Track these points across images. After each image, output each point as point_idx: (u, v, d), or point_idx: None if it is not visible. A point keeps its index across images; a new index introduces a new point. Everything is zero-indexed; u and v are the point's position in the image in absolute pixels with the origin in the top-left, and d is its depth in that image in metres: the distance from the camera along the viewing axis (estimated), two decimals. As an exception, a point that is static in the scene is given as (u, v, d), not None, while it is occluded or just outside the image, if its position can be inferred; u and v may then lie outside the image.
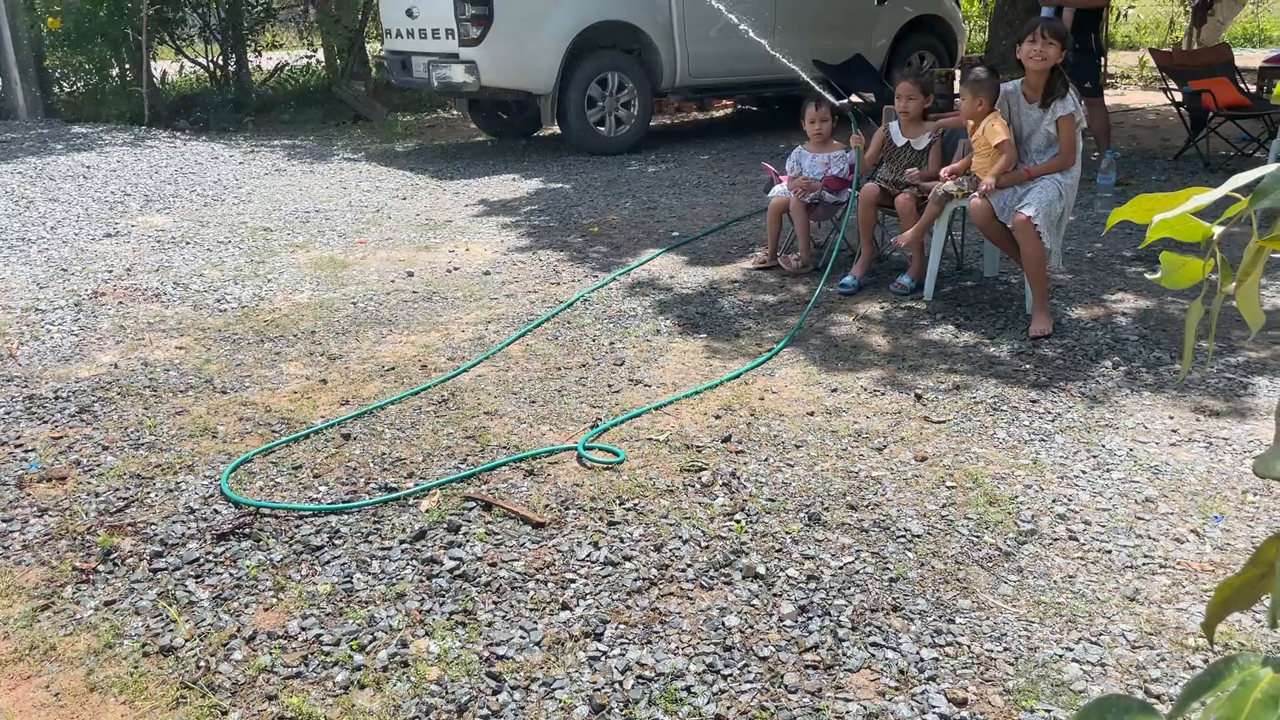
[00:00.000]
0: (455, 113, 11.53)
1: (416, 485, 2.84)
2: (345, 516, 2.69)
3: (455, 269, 5.16)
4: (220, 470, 2.95)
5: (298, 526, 2.64)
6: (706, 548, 2.51)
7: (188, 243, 5.67)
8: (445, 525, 2.62)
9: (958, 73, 9.97)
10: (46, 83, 10.24)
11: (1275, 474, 0.89)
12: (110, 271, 5.06)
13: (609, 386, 3.59)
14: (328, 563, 2.47)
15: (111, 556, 2.51)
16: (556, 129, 8.89)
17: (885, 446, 3.04)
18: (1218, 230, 1.15)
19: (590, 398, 3.49)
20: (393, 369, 3.78)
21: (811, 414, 3.30)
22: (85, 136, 8.88)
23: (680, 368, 3.77)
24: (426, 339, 4.11)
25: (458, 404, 3.45)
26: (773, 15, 9.15)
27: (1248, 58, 11.46)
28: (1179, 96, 7.30)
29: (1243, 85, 7.41)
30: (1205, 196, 1.13)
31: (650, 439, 3.15)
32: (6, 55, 9.80)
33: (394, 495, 2.79)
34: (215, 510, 2.73)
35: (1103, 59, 6.56)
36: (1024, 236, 3.95)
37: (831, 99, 5.10)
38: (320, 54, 12.81)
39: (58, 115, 10.09)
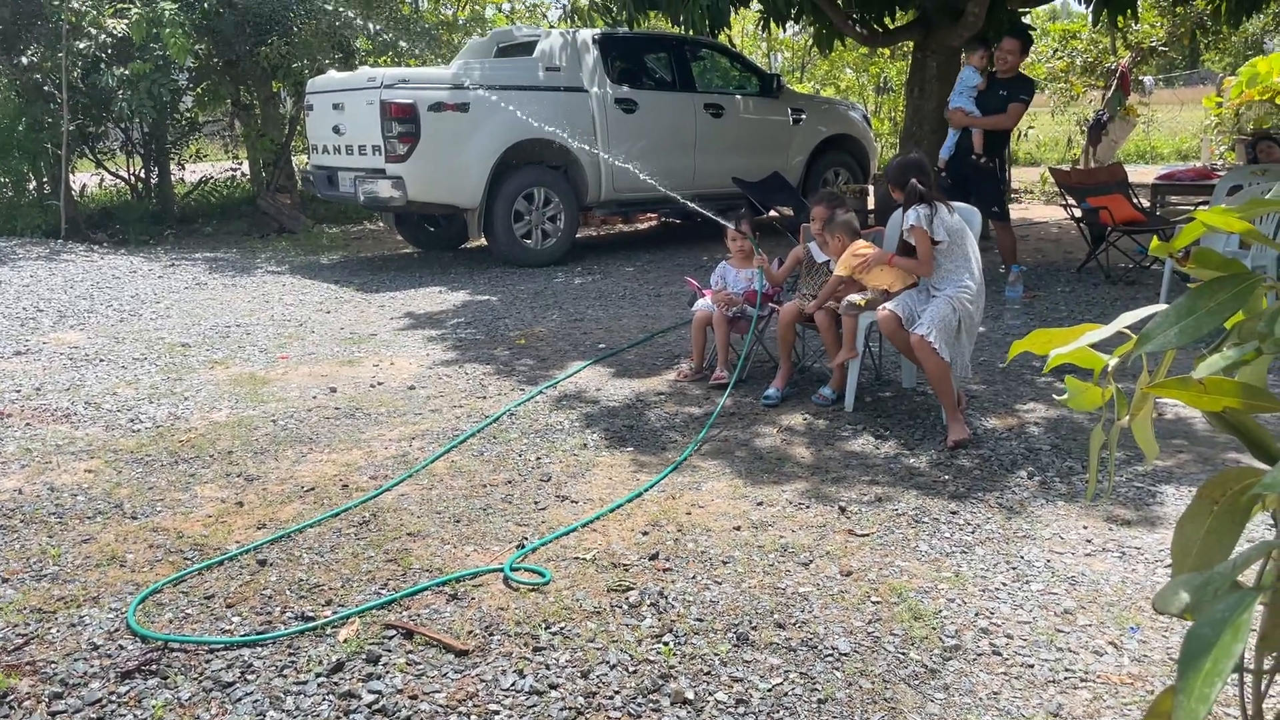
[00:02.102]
0: (381, 225, 11.60)
1: (334, 614, 2.76)
2: (259, 649, 2.59)
3: (379, 384, 5.11)
4: (127, 602, 2.82)
5: (208, 661, 2.53)
6: (634, 672, 2.47)
7: (101, 360, 5.54)
8: (364, 656, 2.54)
9: (870, 189, 10.41)
10: (-41, 196, 10.06)
11: (1174, 610, 0.92)
12: (18, 391, 4.90)
13: (535, 504, 3.56)
14: (239, 700, 2.36)
15: (7, 699, 2.37)
16: (483, 241, 8.99)
17: (811, 561, 3.05)
18: (1112, 363, 1.21)
19: (516, 516, 3.45)
20: (312, 489, 3.70)
21: (738, 528, 3.30)
22: (-3, 250, 8.70)
23: (608, 482, 3.76)
24: (348, 457, 4.04)
25: (379, 525, 3.38)
26: (693, 135, 9.49)
27: (1141, 173, 12.18)
28: (1078, 212, 7.70)
29: (1137, 201, 7.86)
30: (1096, 334, 1.20)
31: (577, 558, 3.11)
32: (-82, 168, 9.63)
33: (310, 625, 2.69)
34: (120, 646, 2.60)
35: (1006, 183, 6.90)
36: (922, 354, 4.10)
37: (731, 224, 5.26)
38: (245, 167, 12.84)
39: (-31, 228, 9.89)
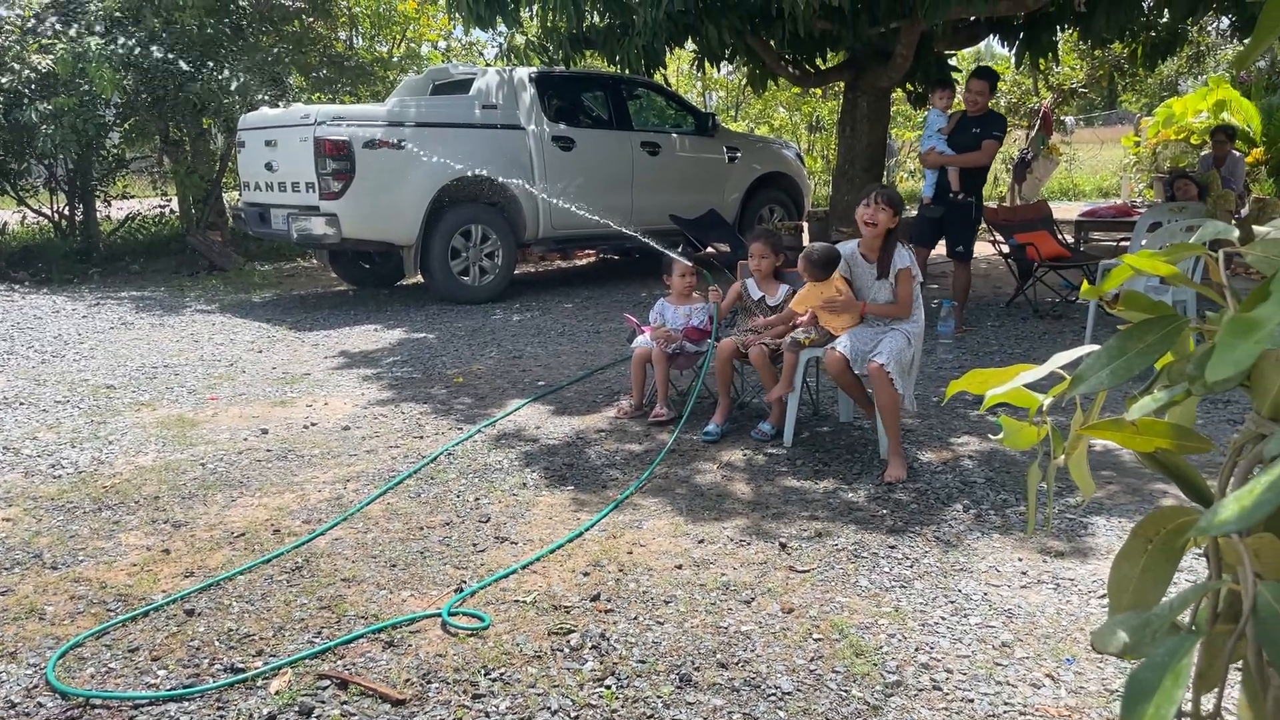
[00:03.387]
0: (315, 262, 11.44)
1: (266, 664, 2.67)
2: (186, 704, 2.49)
3: (312, 425, 5.01)
4: (47, 657, 2.70)
5: (132, 718, 2.43)
6: (576, 718, 2.43)
7: (21, 403, 5.35)
8: (297, 708, 2.46)
9: (805, 225, 10.57)
10: None
11: (1112, 650, 0.93)
12: (-70, 436, 4.71)
13: (474, 545, 3.50)
14: (165, 759, 2.27)
15: (-89, 766, 2.24)
16: (420, 279, 8.92)
17: (753, 599, 3.05)
18: (1046, 402, 1.23)
19: (455, 559, 3.39)
20: (243, 535, 3.59)
21: (680, 567, 3.29)
22: (-89, 289, 8.39)
23: (548, 522, 3.72)
24: (280, 501, 3.94)
25: (312, 571, 3.30)
26: (631, 173, 9.56)
27: (1065, 210, 12.56)
28: (1006, 248, 7.89)
29: (1062, 237, 8.09)
30: (1031, 374, 1.22)
31: (517, 600, 3.06)
32: None
33: (240, 677, 2.60)
34: (39, 703, 2.49)
35: (979, 223, 7.07)
36: (878, 384, 4.13)
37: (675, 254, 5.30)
38: (174, 203, 12.59)
39: (-119, 267, 9.53)
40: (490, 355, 6.65)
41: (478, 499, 3.96)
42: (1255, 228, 0.97)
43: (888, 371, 4.10)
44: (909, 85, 9.66)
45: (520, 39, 9.76)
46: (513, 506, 3.88)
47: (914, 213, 7.95)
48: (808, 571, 3.24)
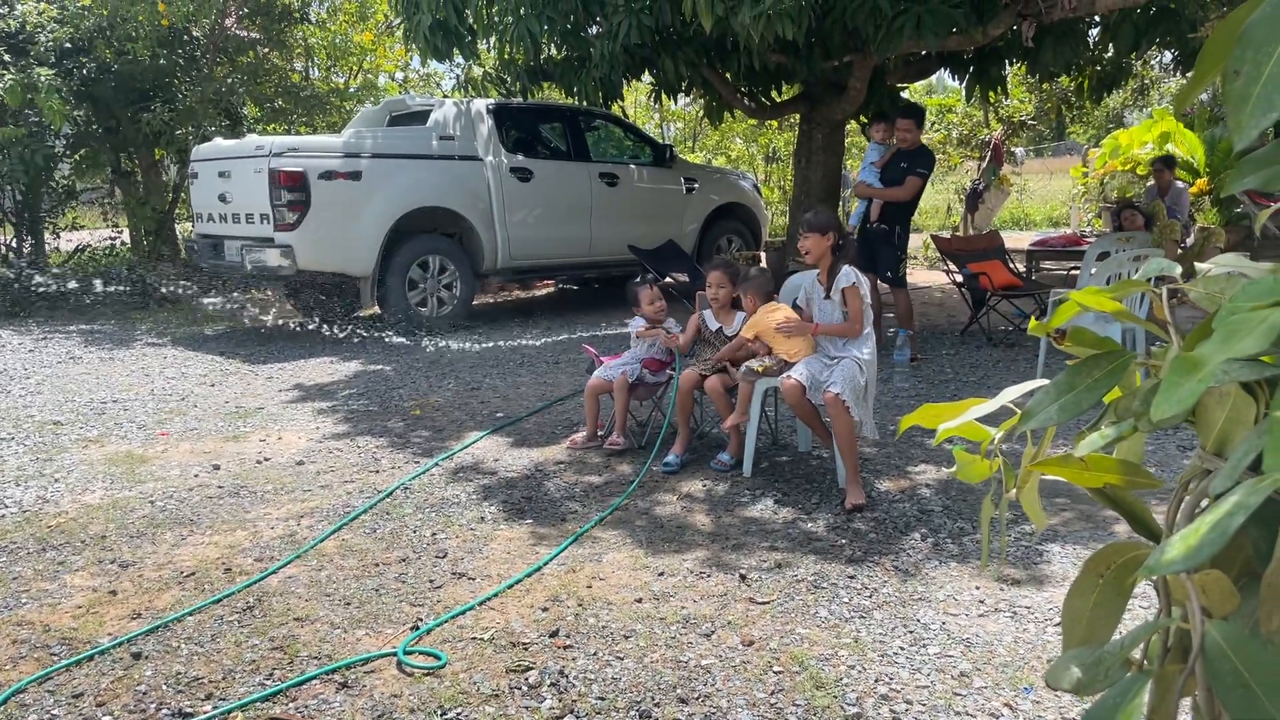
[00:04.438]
0: (270, 293, 11.31)
1: (215, 709, 2.60)
2: (131, 752, 2.42)
3: (266, 460, 4.93)
4: (-16, 706, 2.62)
5: (74, 768, 2.35)
6: (534, 758, 2.39)
7: (-37, 440, 5.21)
8: (247, 754, 2.40)
9: (762, 255, 10.65)
10: None
11: (1066, 686, 0.93)
12: None
13: (430, 582, 3.45)
14: (108, 810, 2.20)
15: None
16: (377, 310, 8.85)
17: (713, 632, 3.03)
18: (997, 435, 1.24)
19: (411, 595, 3.34)
20: (193, 575, 3.51)
21: (640, 600, 3.26)
22: None
23: (505, 556, 3.68)
24: (232, 538, 3.87)
25: (264, 611, 3.23)
26: (589, 204, 9.59)
27: (1016, 239, 12.78)
28: (959, 278, 8.01)
29: (1013, 266, 8.22)
30: (981, 409, 1.23)
31: (475, 638, 3.02)
32: None
33: (189, 722, 2.54)
34: (-26, 756, 2.41)
35: (904, 251, 7.18)
36: (834, 413, 4.15)
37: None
38: (125, 235, 12.41)
39: None
40: (448, 387, 6.60)
41: (435, 534, 3.91)
42: (1197, 264, 0.98)
43: (843, 400, 4.12)
44: (863, 117, 9.81)
45: (478, 71, 9.78)
46: (470, 541, 3.83)
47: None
48: (768, 603, 3.23)
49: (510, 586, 3.39)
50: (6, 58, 9.52)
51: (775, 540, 3.79)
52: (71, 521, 4.05)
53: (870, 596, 3.27)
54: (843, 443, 4.18)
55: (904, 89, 10.27)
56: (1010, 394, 1.19)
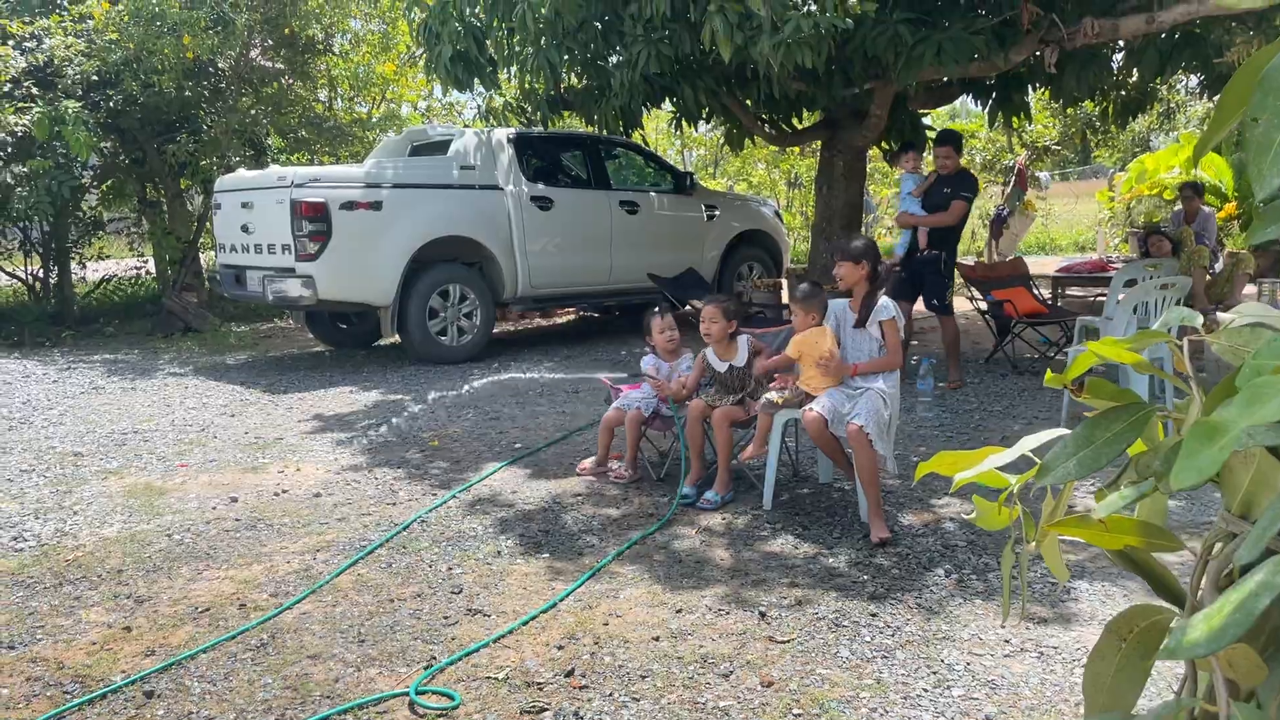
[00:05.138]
0: (291, 322, 11.39)
1: (225, 751, 2.57)
2: (139, 796, 2.39)
3: (284, 492, 4.92)
4: (-7, 747, 2.60)
5: (81, 812, 2.32)
6: (546, 804, 2.33)
7: (-15, 472, 5.24)
8: (255, 798, 2.36)
9: (784, 282, 10.61)
10: None
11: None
12: (-111, 509, 4.60)
13: (445, 618, 3.41)
14: None
15: None
16: (397, 339, 8.87)
17: (732, 672, 2.97)
18: (1015, 485, 1.19)
19: (425, 633, 3.30)
20: (207, 611, 3.49)
21: (657, 638, 3.21)
22: (-121, 355, 8.28)
23: (522, 592, 3.63)
24: (248, 573, 3.85)
25: (278, 648, 3.20)
26: (609, 232, 9.60)
27: (1041, 264, 12.67)
28: (984, 305, 7.93)
29: (1039, 293, 8.13)
30: (999, 458, 1.18)
31: (489, 677, 2.98)
32: None
33: (198, 765, 2.50)
34: (-19, 800, 2.38)
35: (951, 278, 7.15)
36: (857, 445, 4.09)
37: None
38: (150, 265, 12.55)
39: None
40: (467, 417, 6.59)
41: (450, 569, 3.88)
42: (1220, 315, 0.94)
43: (867, 433, 4.06)
44: (884, 144, 9.77)
45: (498, 100, 9.83)
46: (486, 576, 3.80)
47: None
48: (787, 642, 3.17)
49: (525, 623, 3.34)
50: (35, 91, 9.67)
51: (796, 576, 3.73)
52: (89, 555, 4.05)
53: (893, 635, 3.20)
54: (865, 476, 4.11)
55: (925, 114, 10.23)
56: (1028, 443, 1.14)
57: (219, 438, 6.07)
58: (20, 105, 9.52)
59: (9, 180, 9.72)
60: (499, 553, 4.05)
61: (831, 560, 3.89)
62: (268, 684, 2.96)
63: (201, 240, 12.01)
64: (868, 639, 3.18)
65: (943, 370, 7.41)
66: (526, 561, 3.95)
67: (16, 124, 9.38)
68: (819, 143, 9.93)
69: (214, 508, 4.67)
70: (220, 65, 10.86)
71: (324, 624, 3.38)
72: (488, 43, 7.79)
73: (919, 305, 7.47)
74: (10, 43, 9.68)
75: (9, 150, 9.66)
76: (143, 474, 5.27)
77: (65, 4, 10.66)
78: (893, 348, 4.34)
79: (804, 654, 3.08)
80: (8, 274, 11.32)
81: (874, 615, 3.35)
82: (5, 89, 9.41)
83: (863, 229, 10.93)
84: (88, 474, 5.26)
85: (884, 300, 4.39)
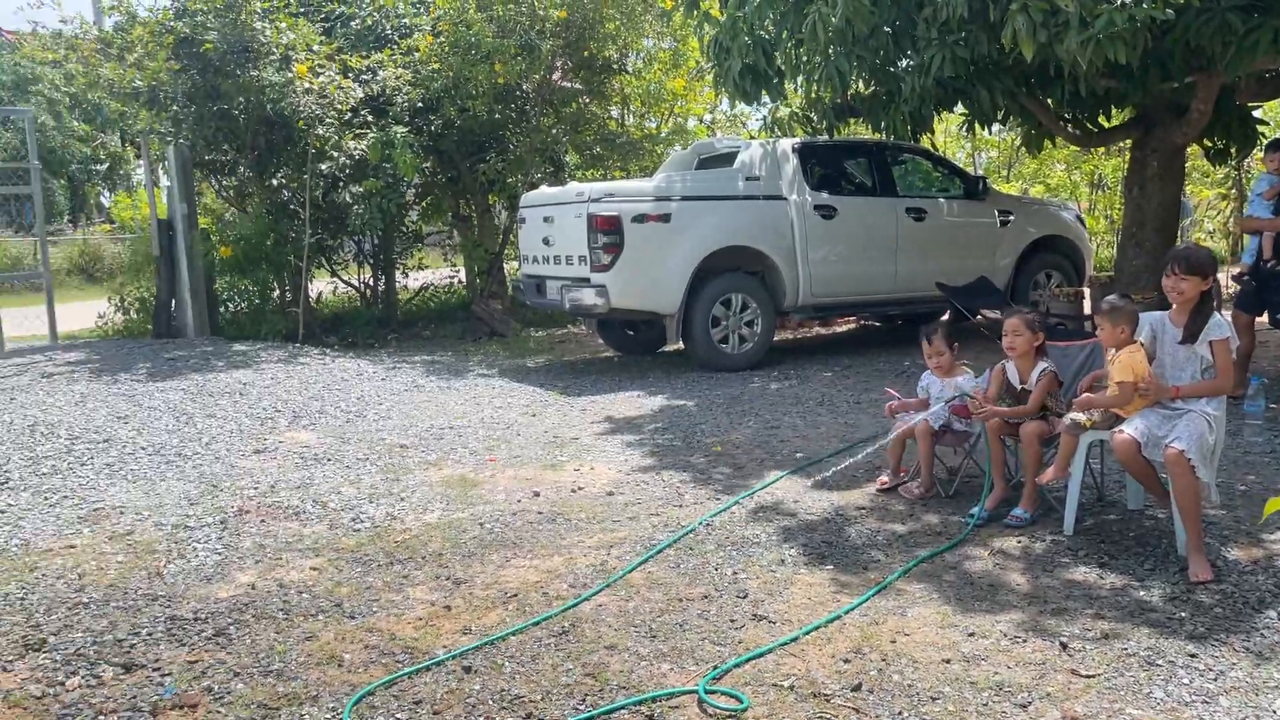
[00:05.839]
0: (584, 329, 12.01)
1: (534, 728, 2.78)
2: (462, 760, 2.63)
3: (580, 489, 5.22)
4: (343, 702, 2.95)
5: (414, 768, 2.60)
6: (836, 816, 2.35)
7: (329, 460, 5.94)
8: (562, 775, 2.54)
9: (1086, 291, 9.92)
10: (214, 304, 11.18)
11: None
12: (256, 488, 5.31)
13: (731, 621, 3.49)
14: (442, 812, 2.40)
15: (232, 793, 2.50)
16: (681, 346, 9.15)
17: (1030, 703, 2.84)
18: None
19: (713, 633, 3.40)
20: (515, 596, 3.78)
21: (948, 661, 3.12)
22: (244, 354, 9.57)
23: (806, 602, 3.65)
24: (549, 563, 4.12)
25: (578, 636, 3.41)
26: (895, 240, 9.40)
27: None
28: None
29: None
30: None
31: (775, 684, 3.02)
32: (182, 280, 10.80)
33: (511, 738, 2.73)
34: (335, 747, 2.72)
35: None
36: (1176, 471, 3.76)
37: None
38: (461, 274, 13.68)
39: (221, 334, 10.93)
40: (748, 425, 6.68)
41: (735, 573, 3.96)
42: None
43: (1188, 458, 3.72)
44: (1206, 141, 8.90)
45: (784, 111, 9.89)
46: (770, 583, 3.85)
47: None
48: (1093, 677, 2.98)
49: (810, 632, 3.36)
50: (369, 118, 10.84)
51: (1101, 607, 3.50)
52: (414, 538, 4.49)
53: (1215, 679, 2.93)
54: (1184, 505, 3.78)
55: (1256, 108, 9.21)
56: None
57: (522, 435, 6.53)
58: (357, 132, 10.69)
59: (348, 199, 10.95)
60: (782, 561, 4.09)
61: (1142, 593, 3.61)
62: (569, 669, 3.16)
63: (505, 251, 12.94)
64: (1185, 681, 2.93)
65: (1275, 389, 6.67)
66: (810, 572, 3.96)
67: (355, 149, 10.54)
68: (1128, 142, 9.20)
69: (519, 500, 5.03)
70: (525, 88, 11.66)
71: (618, 617, 3.56)
72: (776, 55, 7.86)
73: (1262, 318, 6.80)
74: (350, 76, 10.90)
75: (348, 172, 10.88)
76: (458, 466, 5.77)
77: (395, 39, 11.85)
78: (1223, 370, 3.94)
79: (1111, 691, 2.89)
80: (344, 282, 12.74)
81: (1193, 656, 3.09)
82: (346, 118, 10.60)
83: (1179, 234, 9.99)
84: (411, 464, 5.83)
85: (1217, 318, 3.98)
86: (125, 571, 4.11)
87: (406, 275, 13.31)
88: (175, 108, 10.37)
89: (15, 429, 6.48)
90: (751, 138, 10.94)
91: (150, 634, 3.47)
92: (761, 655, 3.20)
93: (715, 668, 3.12)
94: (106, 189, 29.27)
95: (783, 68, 7.93)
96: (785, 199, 8.91)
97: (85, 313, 12.47)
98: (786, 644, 3.28)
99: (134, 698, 3.02)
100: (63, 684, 3.12)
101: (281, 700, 3.00)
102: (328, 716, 2.89)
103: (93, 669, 3.22)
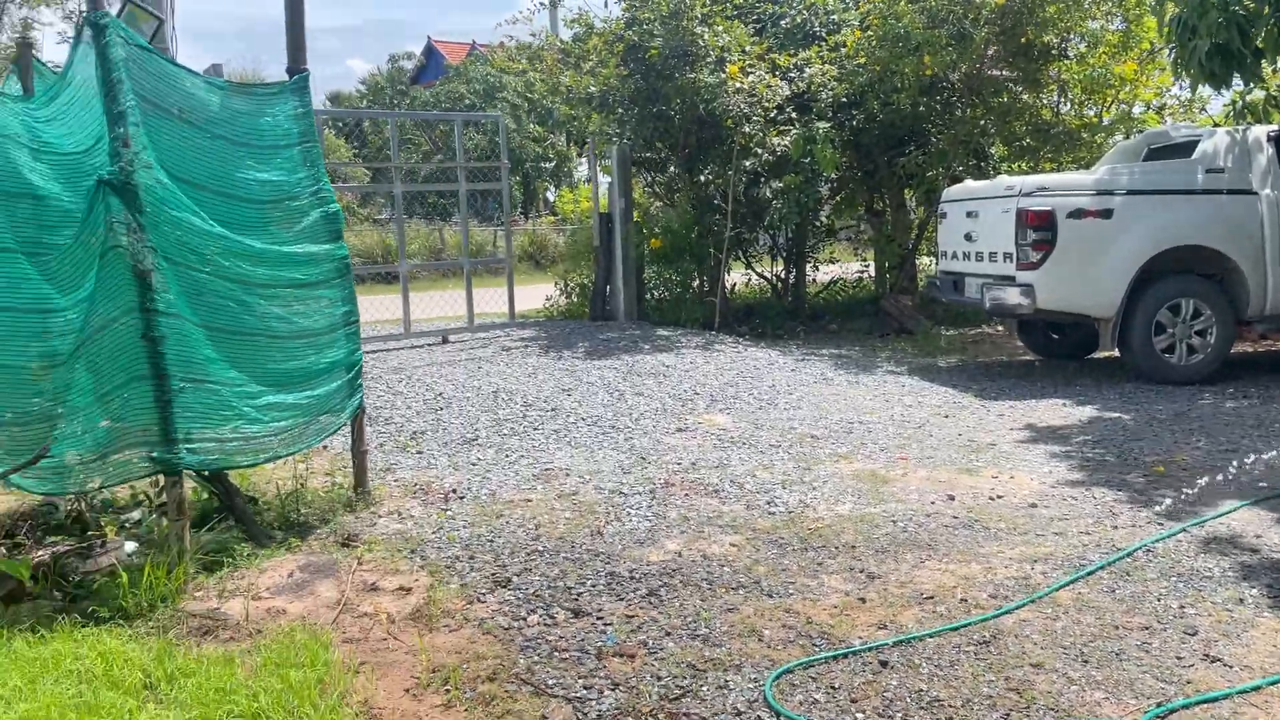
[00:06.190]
0: (1000, 329, 11.43)
1: (955, 733, 2.72)
2: (880, 751, 2.64)
3: (998, 497, 5.00)
4: (763, 675, 3.09)
5: (833, 751, 2.65)
6: None
7: (743, 443, 6.19)
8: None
9: None
10: (641, 291, 12.05)
11: None
12: (679, 464, 5.68)
13: (1178, 659, 3.17)
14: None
15: (665, 741, 2.71)
16: (1114, 353, 8.41)
17: None
18: None
19: (1154, 668, 3.11)
20: (931, 598, 3.71)
21: None
22: (666, 338, 10.23)
23: (1271, 650, 3.23)
24: (966, 570, 4.00)
25: (1000, 648, 3.28)
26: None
27: None
28: None
29: None
30: None
31: (1232, 734, 2.71)
32: (616, 269, 11.76)
33: (931, 739, 2.69)
34: (759, 717, 2.85)
35: None
36: None
37: None
38: (871, 269, 13.58)
39: (647, 318, 11.76)
40: (1198, 445, 5.99)
41: (1182, 607, 3.59)
42: None
43: None
44: None
45: (1258, 94, 8.68)
46: (1226, 623, 3.44)
47: None
48: None
49: (1277, 683, 2.96)
50: (793, 115, 11.07)
51: None
52: (826, 528, 4.56)
53: None
54: None
55: None
56: None
57: (934, 436, 6.37)
58: (781, 129, 10.98)
59: (768, 194, 11.29)
60: (1241, 600, 3.64)
61: None
62: (991, 680, 3.05)
63: (918, 247, 12.65)
64: None
65: None
66: (1276, 616, 3.48)
67: (778, 145, 10.84)
68: None
69: (932, 502, 4.92)
70: (952, 79, 11.29)
71: (1044, 635, 3.37)
72: (1252, 31, 6.92)
73: None
74: (777, 74, 11.21)
75: (769, 168, 11.22)
76: (868, 461, 5.76)
77: (823, 35, 12.00)
78: None
79: None
80: (758, 274, 13.17)
81: None
82: (771, 115, 10.93)
83: None
84: (821, 455, 5.91)
85: None
86: (572, 527, 4.59)
87: (816, 269, 13.48)
88: (620, 110, 11.30)
89: (483, 394, 7.47)
90: (1216, 125, 9.74)
91: (594, 585, 3.86)
92: (1215, 700, 2.89)
93: (1159, 704, 2.85)
94: (553, 185, 32.65)
95: (1260, 45, 6.97)
96: (1255, 194, 7.84)
97: (533, 295, 14.00)
98: (1248, 691, 2.92)
99: (582, 640, 3.38)
100: (524, 619, 3.56)
101: (708, 664, 3.19)
102: (750, 686, 3.04)
103: (548, 610, 3.64)
